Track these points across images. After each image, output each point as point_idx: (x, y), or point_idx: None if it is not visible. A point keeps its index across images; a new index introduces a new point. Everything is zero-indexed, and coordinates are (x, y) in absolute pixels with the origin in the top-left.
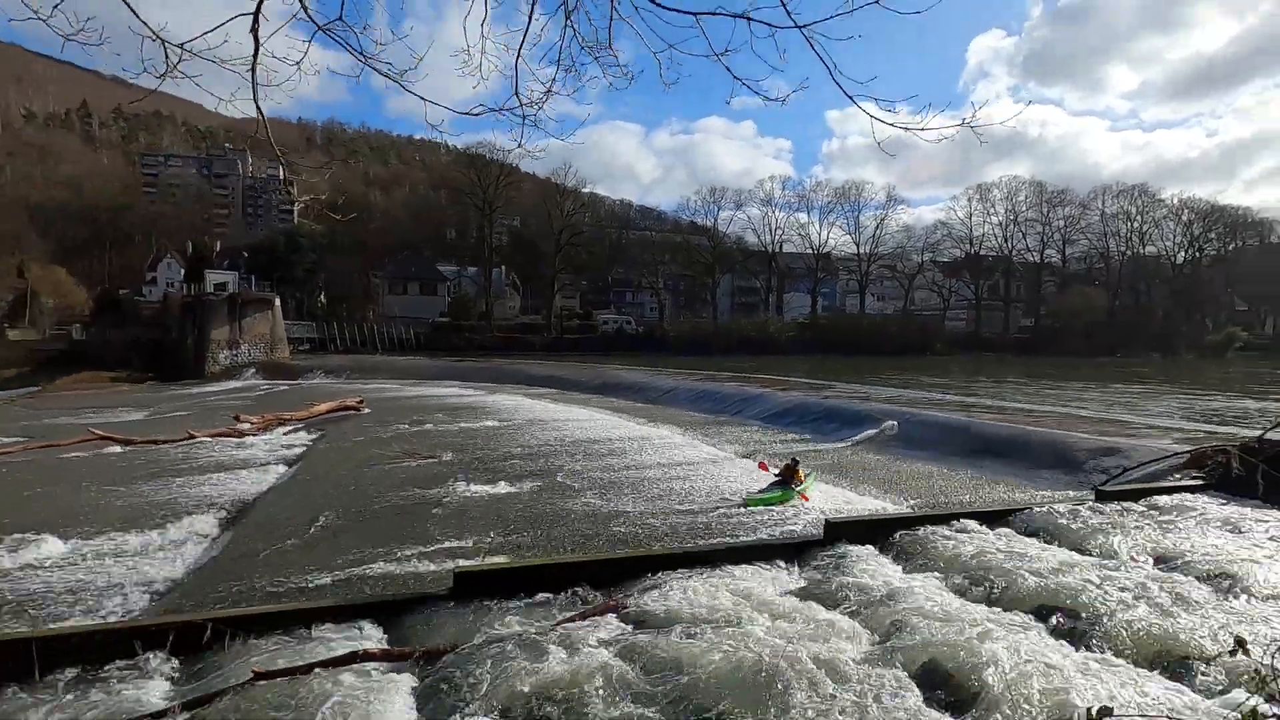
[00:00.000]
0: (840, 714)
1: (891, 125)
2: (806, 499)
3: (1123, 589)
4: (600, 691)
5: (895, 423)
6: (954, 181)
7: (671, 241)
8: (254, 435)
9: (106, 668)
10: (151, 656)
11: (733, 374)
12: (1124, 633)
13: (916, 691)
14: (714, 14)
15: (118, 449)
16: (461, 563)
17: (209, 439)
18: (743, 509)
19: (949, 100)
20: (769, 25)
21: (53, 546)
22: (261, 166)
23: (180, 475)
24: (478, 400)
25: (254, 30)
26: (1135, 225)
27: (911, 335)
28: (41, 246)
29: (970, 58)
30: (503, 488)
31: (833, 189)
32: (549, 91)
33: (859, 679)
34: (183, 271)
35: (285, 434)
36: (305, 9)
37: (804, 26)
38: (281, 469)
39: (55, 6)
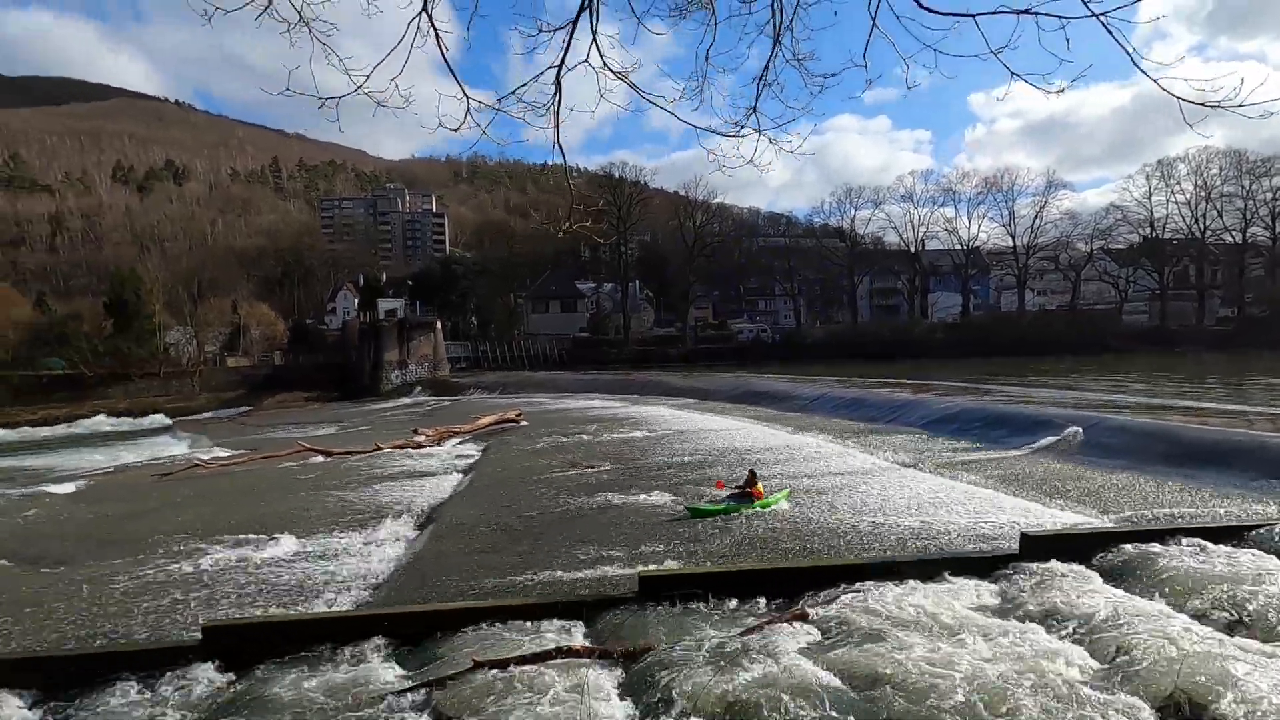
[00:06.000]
0: None
1: (1202, 105)
2: (760, 496)
3: None
4: (804, 700)
5: (1079, 429)
6: (1123, 159)
7: (803, 246)
8: (430, 447)
9: (347, 648)
10: (382, 640)
11: (880, 379)
12: None
13: None
14: (995, 13)
15: (321, 459)
16: (644, 567)
17: (393, 450)
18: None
19: (1115, 68)
20: (1059, 17)
21: (287, 544)
22: (417, 203)
23: (375, 482)
24: (624, 412)
25: (557, 79)
26: None
27: (1083, 332)
28: (246, 286)
29: (1140, 17)
30: (664, 496)
31: (981, 178)
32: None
33: (1087, 703)
34: (357, 301)
35: (456, 445)
36: (602, 58)
37: (1102, 15)
38: (458, 477)
39: (400, 86)
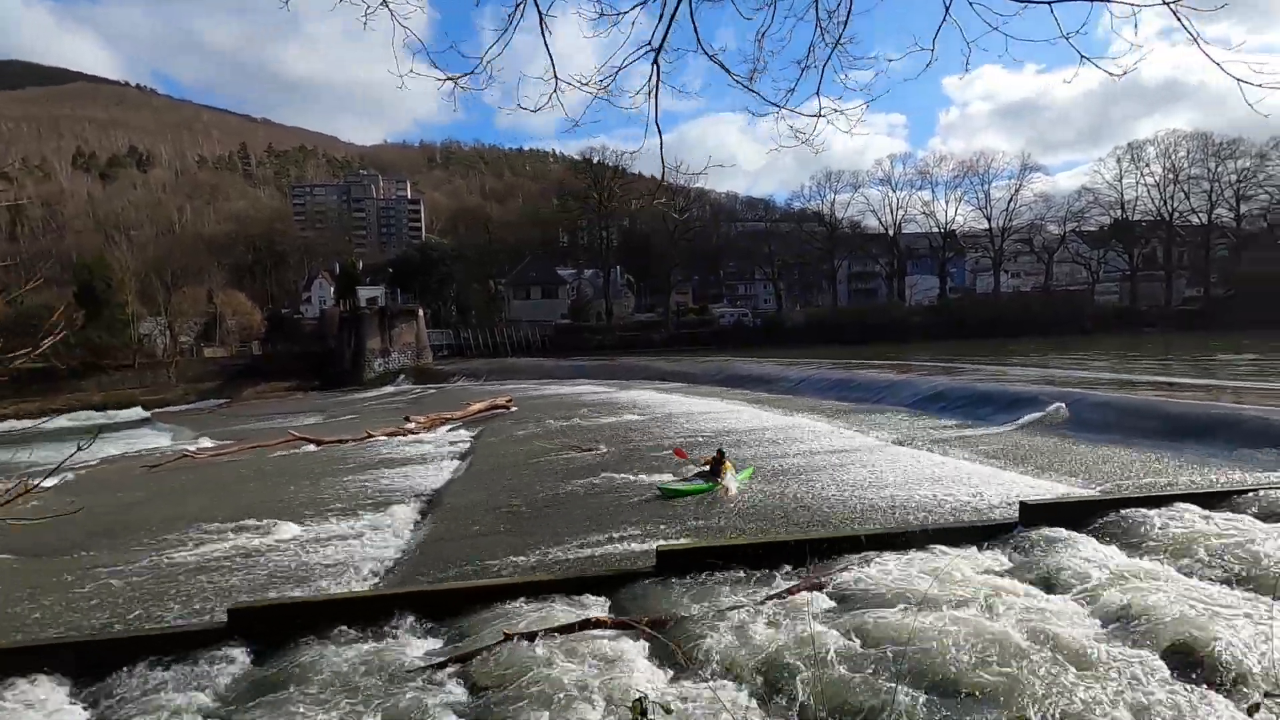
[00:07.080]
0: (1088, 689)
1: (1260, 86)
2: (730, 491)
3: None
4: (825, 662)
5: (1064, 405)
6: (1094, 142)
7: (781, 231)
8: (421, 433)
9: (372, 627)
10: (407, 619)
11: (864, 361)
12: None
13: (1169, 671)
14: None
15: (312, 448)
16: (660, 542)
17: (385, 438)
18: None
19: (1085, 51)
20: (1132, 4)
21: (289, 529)
22: (391, 189)
23: (372, 469)
24: (613, 396)
25: (655, 61)
26: None
27: (1060, 312)
28: (218, 274)
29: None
30: (664, 476)
31: (957, 161)
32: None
33: (1100, 658)
34: (333, 289)
35: (448, 431)
36: (698, 40)
37: (1173, 3)
38: (455, 463)
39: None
